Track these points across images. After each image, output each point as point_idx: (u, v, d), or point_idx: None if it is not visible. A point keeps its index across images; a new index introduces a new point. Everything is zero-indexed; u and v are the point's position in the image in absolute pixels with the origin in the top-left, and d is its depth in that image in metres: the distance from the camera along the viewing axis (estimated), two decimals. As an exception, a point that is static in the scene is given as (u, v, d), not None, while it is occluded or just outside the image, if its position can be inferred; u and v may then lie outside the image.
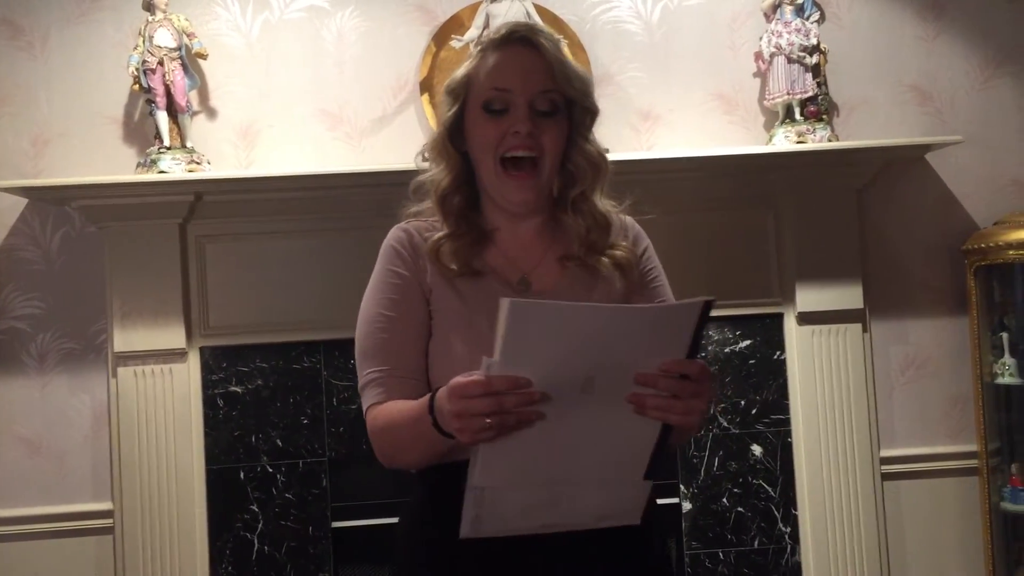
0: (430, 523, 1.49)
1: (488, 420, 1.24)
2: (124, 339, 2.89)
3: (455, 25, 3.08)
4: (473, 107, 1.52)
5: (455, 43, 3.03)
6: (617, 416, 1.29)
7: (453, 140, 1.56)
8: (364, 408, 1.50)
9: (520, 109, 1.49)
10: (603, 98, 3.12)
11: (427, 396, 1.36)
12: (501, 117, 1.50)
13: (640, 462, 1.35)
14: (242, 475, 2.96)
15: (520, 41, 1.51)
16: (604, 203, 1.61)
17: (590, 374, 1.25)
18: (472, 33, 3.00)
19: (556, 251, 1.58)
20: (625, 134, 3.14)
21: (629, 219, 1.66)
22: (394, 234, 1.58)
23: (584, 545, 1.42)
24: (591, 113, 1.58)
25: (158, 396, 2.91)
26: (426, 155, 1.61)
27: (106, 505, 2.94)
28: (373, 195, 2.91)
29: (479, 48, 1.54)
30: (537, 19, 3.01)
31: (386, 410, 1.46)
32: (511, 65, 1.50)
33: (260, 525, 2.95)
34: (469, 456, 1.31)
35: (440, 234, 1.54)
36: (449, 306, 1.51)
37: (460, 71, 1.55)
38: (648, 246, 1.65)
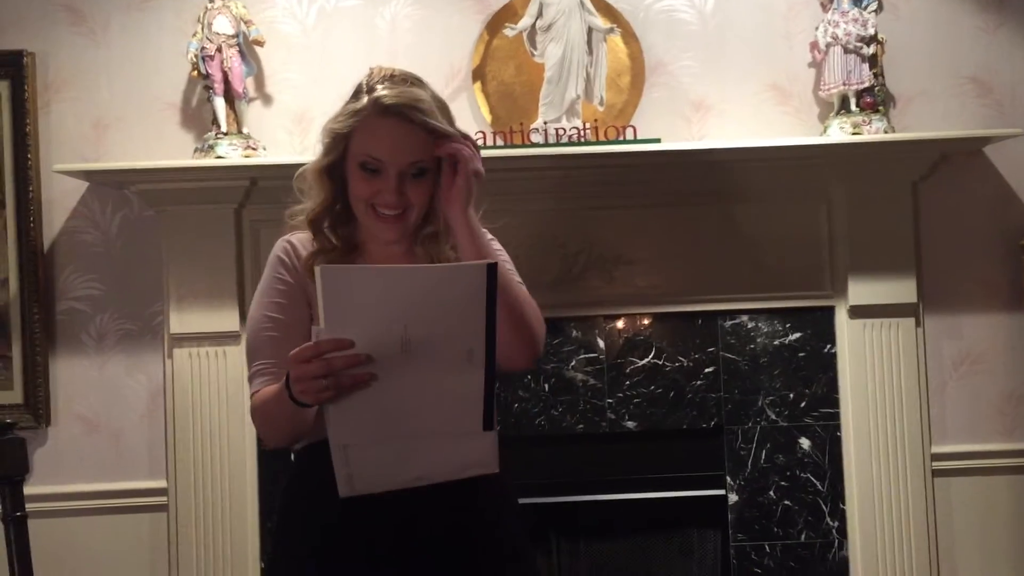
0: (304, 495, 1.69)
1: (324, 381, 1.42)
2: (180, 321, 2.95)
3: (508, 14, 3.08)
4: (351, 160, 1.69)
5: (508, 31, 3.03)
6: (439, 373, 1.47)
7: (329, 172, 1.72)
8: (250, 395, 1.69)
9: (390, 179, 1.66)
10: (655, 87, 3.14)
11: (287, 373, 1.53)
12: (374, 177, 1.67)
13: (474, 413, 1.50)
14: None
15: (396, 115, 1.65)
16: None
17: (406, 335, 1.43)
18: (525, 22, 3.01)
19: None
20: (677, 124, 3.12)
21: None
22: (280, 245, 1.77)
23: (441, 498, 1.59)
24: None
25: (212, 377, 2.97)
26: (297, 184, 1.77)
27: (161, 483, 3.01)
28: (425, 182, 2.94)
29: (362, 106, 1.67)
30: (591, 10, 3.01)
31: (261, 393, 1.66)
32: (386, 139, 1.66)
33: (309, 506, 3.00)
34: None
35: (310, 252, 1.73)
36: None
37: (343, 123, 1.69)
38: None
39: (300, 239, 1.76)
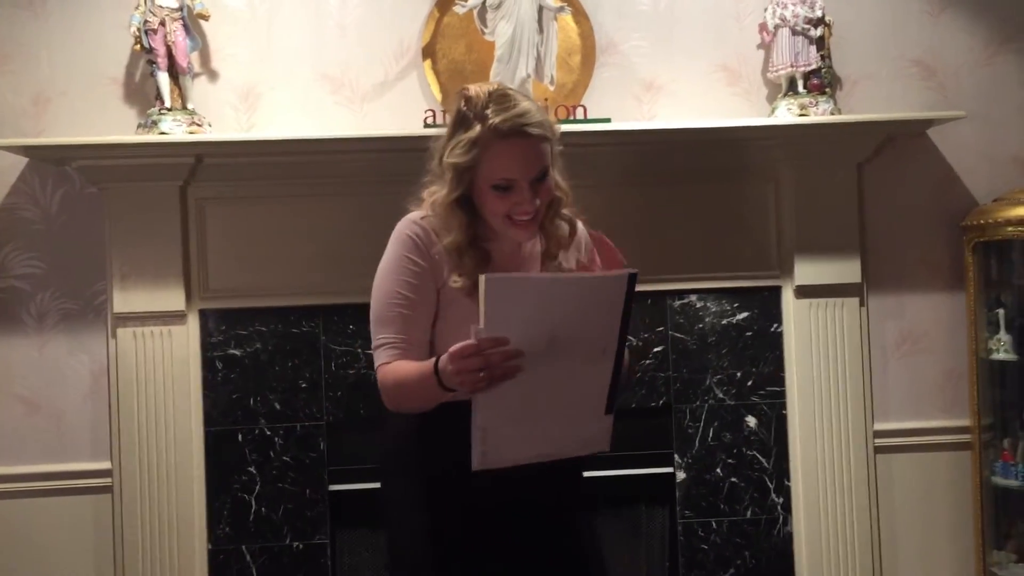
0: (427, 452, 1.85)
1: (481, 374, 1.59)
2: (124, 300, 2.90)
3: (459, -10, 3.06)
4: (482, 184, 1.81)
5: (459, 9, 3.01)
6: (576, 368, 1.67)
7: (459, 202, 1.83)
8: (376, 364, 1.82)
9: (524, 192, 1.80)
10: (606, 67, 3.14)
11: (431, 360, 1.70)
12: (507, 194, 1.80)
13: (600, 401, 1.72)
14: (240, 437, 2.98)
15: (517, 135, 1.78)
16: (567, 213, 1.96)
17: (553, 335, 1.61)
18: (475, 0, 2.98)
19: (538, 251, 1.94)
20: (627, 104, 3.13)
21: (582, 227, 1.98)
22: (411, 227, 1.86)
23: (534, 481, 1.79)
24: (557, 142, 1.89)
25: (157, 358, 2.92)
26: (431, 213, 1.86)
27: (105, 464, 2.96)
28: (374, 160, 2.91)
29: (480, 134, 1.78)
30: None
31: (395, 369, 1.79)
32: (513, 160, 1.79)
33: (258, 487, 2.98)
34: (461, 400, 1.65)
35: (449, 247, 1.84)
36: (455, 300, 1.83)
37: (464, 156, 1.80)
38: (589, 244, 1.99)
39: (431, 223, 1.85)
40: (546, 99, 2.99)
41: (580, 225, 1.98)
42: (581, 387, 1.70)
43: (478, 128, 1.79)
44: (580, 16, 3.08)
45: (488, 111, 1.79)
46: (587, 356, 1.67)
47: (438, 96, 3.05)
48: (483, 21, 3.01)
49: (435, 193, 1.86)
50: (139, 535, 2.90)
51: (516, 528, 1.87)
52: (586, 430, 1.74)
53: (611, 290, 1.66)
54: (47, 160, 2.96)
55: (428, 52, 3.07)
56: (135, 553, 2.89)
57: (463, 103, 1.82)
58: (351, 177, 2.94)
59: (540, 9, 2.98)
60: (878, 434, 3.12)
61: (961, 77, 3.19)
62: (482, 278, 1.56)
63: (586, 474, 3.11)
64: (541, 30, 2.99)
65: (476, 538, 1.85)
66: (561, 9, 3.01)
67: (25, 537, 2.96)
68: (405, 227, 1.86)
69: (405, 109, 3.05)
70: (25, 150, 2.90)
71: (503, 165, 1.79)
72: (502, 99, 1.80)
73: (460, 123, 1.82)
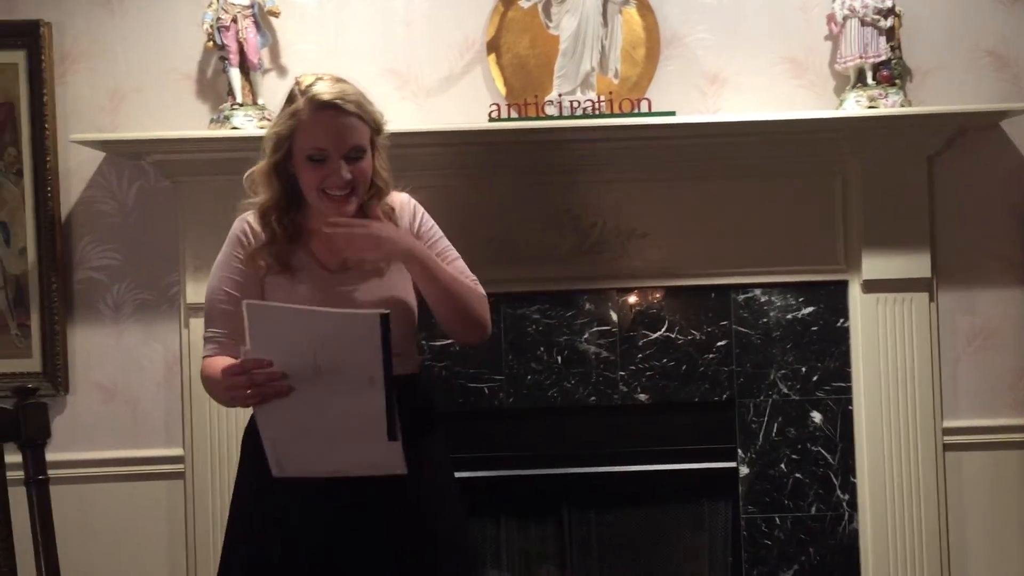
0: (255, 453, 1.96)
1: (248, 392, 1.79)
2: (196, 291, 2.96)
3: (524, -15, 3.07)
4: (298, 155, 1.95)
5: (523, 3, 3.03)
6: (345, 393, 1.79)
7: (276, 172, 1.98)
8: (202, 356, 2.04)
9: (335, 163, 1.93)
10: (670, 60, 3.13)
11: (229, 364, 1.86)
12: (321, 166, 1.94)
13: (379, 426, 1.80)
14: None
15: (331, 107, 1.93)
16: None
17: (316, 362, 1.76)
18: (540, -7, 3.00)
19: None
20: (692, 97, 3.12)
21: (404, 196, 2.12)
22: (239, 225, 2.05)
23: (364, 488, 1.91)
24: (383, 137, 2.05)
25: (227, 347, 2.99)
26: (246, 184, 2.04)
27: (177, 451, 3.05)
28: (440, 154, 2.94)
29: (297, 107, 1.95)
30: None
31: (209, 364, 2.00)
32: (326, 130, 1.93)
33: (324, 475, 3.03)
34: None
35: (257, 246, 2.01)
36: (277, 287, 2.00)
37: (283, 125, 1.96)
38: (422, 214, 2.12)
39: (257, 219, 2.03)
40: (610, 92, 3.00)
41: (403, 199, 2.10)
42: (354, 412, 1.80)
43: (300, 100, 1.95)
44: (645, 9, 3.08)
45: (312, 88, 1.95)
46: (353, 385, 1.78)
47: (502, 90, 3.07)
48: (547, 15, 3.02)
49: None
50: (209, 520, 2.96)
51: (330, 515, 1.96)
52: (374, 453, 1.83)
53: (363, 326, 1.76)
54: (123, 155, 3.05)
55: (492, 46, 3.09)
56: (206, 536, 2.95)
57: (294, 85, 1.99)
58: (417, 171, 2.96)
59: (605, 2, 2.98)
60: (947, 431, 3.07)
61: (1036, 68, 3.12)
62: (244, 304, 1.78)
63: (648, 468, 3.13)
64: (606, 23, 2.99)
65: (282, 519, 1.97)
66: (626, 2, 3.01)
67: (101, 520, 3.06)
68: (235, 225, 2.05)
69: (470, 103, 3.07)
70: (102, 145, 2.98)
71: (316, 135, 1.92)
72: (328, 81, 1.98)
73: (287, 101, 1.99)
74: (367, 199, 2.02)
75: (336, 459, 1.85)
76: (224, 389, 1.84)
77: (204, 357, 2.04)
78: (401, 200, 2.11)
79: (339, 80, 2.00)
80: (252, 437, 2.00)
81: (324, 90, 1.95)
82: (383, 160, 2.05)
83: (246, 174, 2.04)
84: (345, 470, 1.86)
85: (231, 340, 1.98)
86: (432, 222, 2.13)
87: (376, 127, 2.02)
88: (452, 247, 2.12)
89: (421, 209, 2.14)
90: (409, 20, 3.11)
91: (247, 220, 2.05)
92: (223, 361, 1.93)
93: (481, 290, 2.10)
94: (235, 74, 2.97)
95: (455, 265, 2.08)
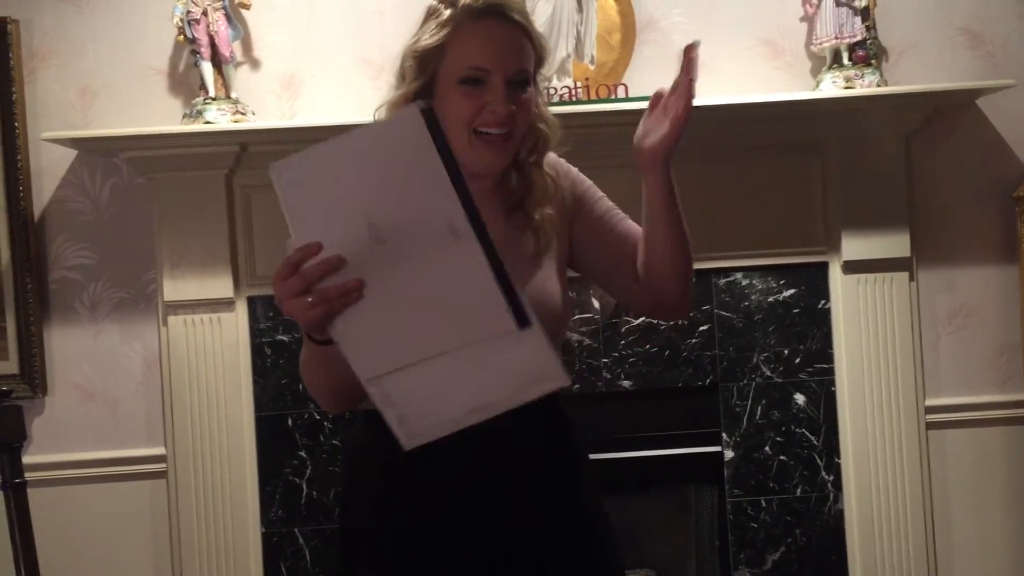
0: (364, 461, 1.56)
1: (309, 298, 1.24)
2: (173, 288, 2.95)
3: (497, -28, 3.05)
4: (446, 80, 1.50)
5: (497, -10, 3.00)
6: (426, 259, 1.22)
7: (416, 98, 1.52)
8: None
9: (498, 88, 1.48)
10: (646, 45, 3.12)
11: None
12: (477, 92, 1.48)
13: (494, 303, 1.23)
14: (290, 422, 3.02)
15: (495, 15, 1.49)
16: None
17: (372, 221, 1.21)
18: (514, -20, 2.97)
19: (503, 208, 1.59)
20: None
21: (552, 155, 1.66)
22: None
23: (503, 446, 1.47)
24: (546, 78, 1.62)
25: (207, 344, 2.97)
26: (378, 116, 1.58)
27: (159, 450, 3.02)
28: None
29: (450, 15, 1.50)
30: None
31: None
32: (488, 43, 1.48)
33: (308, 471, 3.01)
34: None
35: None
36: None
37: (430, 39, 1.50)
38: (577, 171, 1.69)
39: None
40: (587, 79, 2.98)
41: (553, 158, 1.65)
42: (453, 289, 1.23)
43: (448, 11, 1.50)
44: (619, -6, 3.06)
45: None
46: (432, 241, 1.21)
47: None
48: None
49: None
50: (194, 519, 2.95)
51: (488, 524, 1.51)
52: (511, 358, 1.26)
53: (408, 139, 1.19)
54: (95, 152, 3.01)
55: (467, 35, 3.07)
56: (191, 536, 2.94)
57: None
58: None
59: (579, -12, 2.96)
60: (930, 410, 3.08)
61: (1010, 45, 3.12)
62: (271, 168, 1.22)
63: (633, 454, 3.11)
64: (580, 9, 2.97)
65: (438, 538, 1.51)
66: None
67: (84, 522, 3.03)
68: None
69: (446, 92, 3.05)
70: (74, 143, 2.95)
71: (474, 50, 1.47)
72: None
73: (430, 14, 1.54)
74: (527, 156, 1.58)
75: (469, 389, 1.28)
76: (280, 303, 1.28)
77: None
78: (551, 159, 1.65)
79: None
80: (358, 451, 1.59)
81: None
82: (544, 103, 1.60)
83: (376, 110, 1.59)
84: (486, 405, 1.29)
85: None
86: (587, 179, 1.70)
87: (541, 55, 1.56)
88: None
89: (572, 168, 1.71)
90: (382, 10, 3.08)
91: None
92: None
93: None
94: (207, 68, 2.93)
95: (627, 224, 1.65)
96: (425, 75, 1.51)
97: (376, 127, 1.31)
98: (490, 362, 1.26)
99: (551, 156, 1.65)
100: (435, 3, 1.55)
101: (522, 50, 1.51)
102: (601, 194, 1.69)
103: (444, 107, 1.48)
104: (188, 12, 2.91)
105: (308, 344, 1.38)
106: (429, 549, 1.49)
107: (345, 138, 1.23)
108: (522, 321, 1.24)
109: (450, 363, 1.26)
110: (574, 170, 1.69)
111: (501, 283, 1.22)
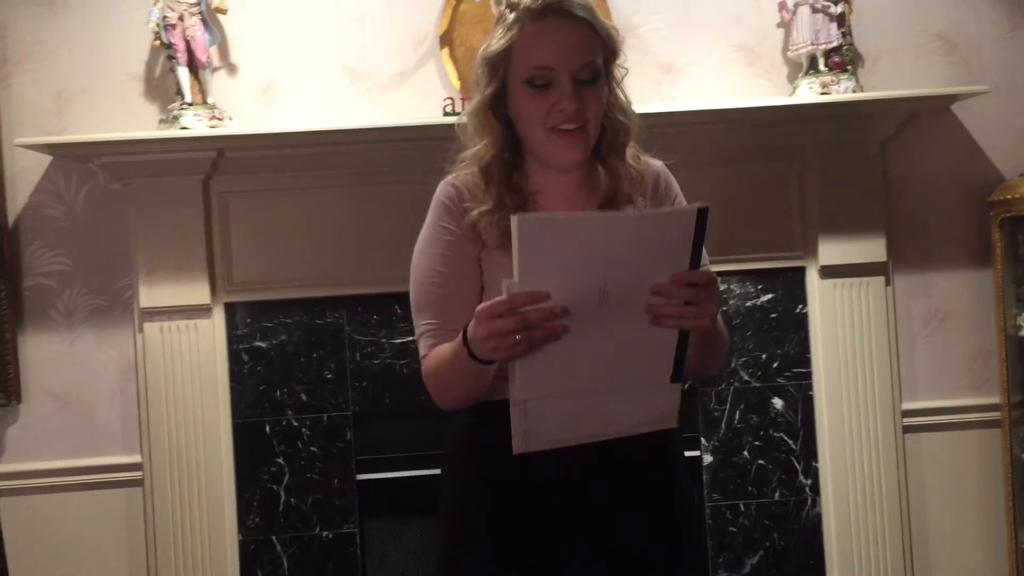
0: (477, 454, 1.61)
1: (517, 336, 1.32)
2: (149, 295, 2.92)
3: (475, -23, 3.05)
4: (515, 81, 1.56)
5: (475, -4, 3.00)
6: (635, 326, 1.37)
7: (493, 109, 1.60)
8: (420, 356, 1.61)
9: (564, 85, 1.53)
10: (624, 50, 3.11)
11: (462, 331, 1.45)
12: (546, 91, 1.54)
13: (664, 367, 1.43)
14: (268, 429, 3.00)
15: (556, 13, 1.54)
16: (633, 151, 1.67)
17: (604, 286, 1.33)
18: (492, -14, 2.97)
19: (594, 201, 1.64)
20: (646, 86, 3.11)
21: (659, 163, 1.71)
22: (444, 189, 1.64)
23: (616, 457, 1.54)
24: (621, 67, 1.65)
25: (184, 351, 2.94)
26: (462, 124, 1.65)
27: (135, 458, 2.99)
28: (394, 150, 2.91)
29: (514, 18, 1.56)
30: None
31: (432, 357, 1.57)
32: (551, 41, 1.54)
33: (286, 477, 3.00)
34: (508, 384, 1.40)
35: (482, 208, 1.59)
36: (497, 264, 1.56)
37: (497, 43, 1.57)
38: (678, 191, 1.73)
39: (465, 181, 1.63)
40: (565, 84, 2.98)
41: (658, 166, 1.69)
42: (641, 350, 1.40)
43: (512, 15, 1.57)
44: (598, 0, 3.06)
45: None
46: (645, 308, 1.37)
47: (456, 84, 3.05)
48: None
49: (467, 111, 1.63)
50: (171, 527, 2.92)
51: (585, 513, 1.59)
52: (648, 404, 1.47)
53: (676, 230, 1.35)
54: (70, 157, 2.98)
55: (446, 40, 3.07)
56: (167, 544, 2.92)
57: (503, 5, 1.61)
58: (372, 167, 2.94)
59: (557, -6, 2.96)
60: (906, 413, 3.10)
61: (984, 51, 3.15)
62: (514, 219, 1.28)
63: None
64: (558, 15, 2.97)
65: (537, 532, 1.58)
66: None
67: (59, 531, 3.00)
68: (438, 191, 1.64)
69: (424, 98, 3.04)
70: (49, 148, 2.92)
71: (537, 50, 1.53)
72: None
73: (498, 21, 1.60)
74: (610, 148, 1.61)
75: (599, 419, 1.45)
76: (484, 339, 1.34)
77: (423, 357, 1.60)
78: (656, 167, 1.70)
79: None
80: (465, 441, 1.65)
81: None
82: (621, 94, 1.64)
83: (457, 123, 1.65)
84: (604, 432, 1.46)
85: (452, 330, 1.51)
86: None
87: (611, 46, 1.60)
88: None
89: (676, 185, 1.73)
90: (361, 15, 3.07)
91: (451, 183, 1.63)
92: (444, 347, 1.53)
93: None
94: (183, 73, 2.92)
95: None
96: (497, 79, 1.57)
97: (650, 217, 1.43)
98: (627, 402, 1.45)
99: (658, 165, 1.70)
100: (502, 8, 1.60)
101: (586, 44, 1.55)
102: None
103: (517, 108, 1.57)
104: (164, 17, 2.90)
105: (464, 361, 1.45)
106: (536, 529, 1.57)
107: (612, 216, 1.43)
108: (676, 377, 1.44)
109: (594, 398, 1.43)
110: (676, 186, 1.72)
111: (680, 347, 1.41)
